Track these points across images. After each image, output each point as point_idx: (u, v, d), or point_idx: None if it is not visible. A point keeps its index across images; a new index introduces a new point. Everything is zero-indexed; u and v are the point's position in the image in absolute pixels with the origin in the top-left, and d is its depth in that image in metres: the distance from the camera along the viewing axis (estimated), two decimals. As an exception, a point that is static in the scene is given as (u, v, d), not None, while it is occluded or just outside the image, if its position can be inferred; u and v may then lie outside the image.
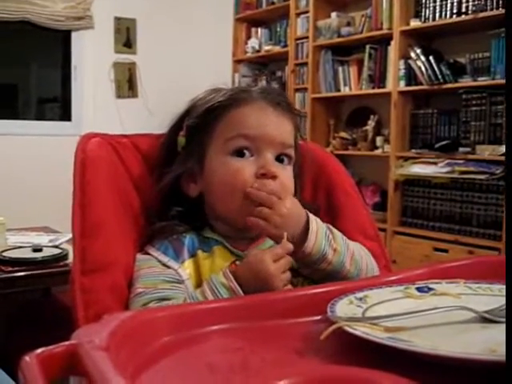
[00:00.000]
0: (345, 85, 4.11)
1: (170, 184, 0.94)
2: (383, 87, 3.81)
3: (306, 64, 4.31)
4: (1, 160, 3.83)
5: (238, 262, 0.90)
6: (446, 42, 3.59)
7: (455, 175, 3.24)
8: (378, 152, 3.81)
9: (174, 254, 0.90)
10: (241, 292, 0.80)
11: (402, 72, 3.61)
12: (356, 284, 0.74)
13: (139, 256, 0.91)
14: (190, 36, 4.66)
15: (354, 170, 3.96)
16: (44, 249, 2.14)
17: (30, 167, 3.93)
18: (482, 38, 3.27)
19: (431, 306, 0.62)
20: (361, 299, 0.66)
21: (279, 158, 0.93)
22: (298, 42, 4.40)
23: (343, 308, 0.62)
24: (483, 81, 3.22)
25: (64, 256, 2.08)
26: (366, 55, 3.90)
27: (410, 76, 3.58)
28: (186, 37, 4.65)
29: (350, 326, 0.55)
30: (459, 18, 3.32)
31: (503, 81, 3.03)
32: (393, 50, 3.67)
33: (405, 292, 0.70)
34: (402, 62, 3.61)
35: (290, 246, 0.83)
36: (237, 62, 4.98)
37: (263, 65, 5.01)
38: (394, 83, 3.65)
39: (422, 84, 3.50)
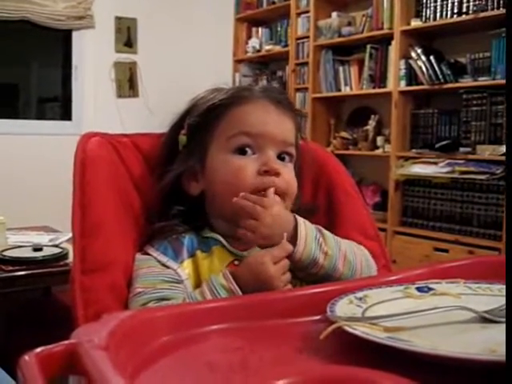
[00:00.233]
0: (345, 85, 4.11)
1: (171, 183, 0.94)
2: (384, 87, 3.81)
3: (306, 64, 4.31)
4: (1, 159, 3.84)
5: (236, 262, 0.90)
6: (447, 42, 3.59)
7: (455, 175, 3.23)
8: (379, 152, 3.81)
9: (173, 254, 0.90)
10: (240, 293, 0.80)
11: (403, 72, 3.61)
12: (356, 284, 0.73)
13: (138, 256, 0.91)
14: (191, 35, 4.67)
15: (354, 169, 3.96)
16: (44, 248, 2.14)
17: (30, 166, 3.93)
18: (482, 38, 3.27)
19: (431, 306, 0.62)
20: (360, 299, 0.66)
21: (280, 156, 0.93)
22: (299, 41, 4.40)
23: (343, 308, 0.62)
24: (484, 81, 3.22)
25: (64, 255, 2.08)
26: (367, 55, 3.90)
27: (411, 76, 3.58)
28: (187, 36, 4.65)
29: (349, 326, 0.55)
30: (460, 18, 3.32)
31: (504, 81, 3.03)
32: (393, 49, 3.67)
33: (405, 292, 0.70)
34: (402, 62, 3.60)
35: (290, 248, 0.84)
36: (237, 61, 4.98)
37: (264, 64, 5.01)
38: (395, 83, 3.65)
39: (422, 84, 3.49)
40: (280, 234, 0.85)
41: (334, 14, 4.11)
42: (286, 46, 4.55)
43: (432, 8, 3.49)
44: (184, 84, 4.17)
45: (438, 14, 3.46)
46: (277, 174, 0.89)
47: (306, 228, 0.88)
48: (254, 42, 4.84)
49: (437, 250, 3.36)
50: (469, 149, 3.28)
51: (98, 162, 0.94)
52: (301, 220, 0.89)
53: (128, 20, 4.43)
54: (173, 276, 0.87)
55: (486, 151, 3.16)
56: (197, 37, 4.68)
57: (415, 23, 3.55)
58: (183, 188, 0.96)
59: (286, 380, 0.43)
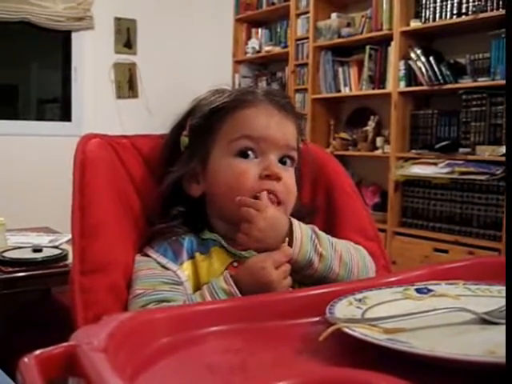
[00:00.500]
0: (345, 85, 4.11)
1: (171, 184, 0.94)
2: (383, 88, 3.81)
3: (306, 65, 4.32)
4: (1, 160, 3.84)
5: (235, 264, 0.90)
6: (446, 43, 3.60)
7: (455, 176, 3.24)
8: (378, 153, 3.81)
9: (172, 256, 0.90)
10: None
11: (402, 73, 3.61)
12: (355, 285, 0.73)
13: (138, 257, 0.91)
14: (191, 36, 4.67)
15: (354, 170, 3.96)
16: (44, 249, 2.14)
17: (30, 167, 3.93)
18: (482, 39, 3.27)
19: (430, 308, 0.62)
20: (360, 300, 0.66)
21: (282, 160, 0.94)
22: (299, 42, 4.40)
23: (342, 309, 0.62)
24: (483, 81, 3.22)
25: (64, 256, 2.08)
26: (366, 56, 3.91)
27: (410, 77, 3.59)
28: (186, 37, 4.66)
29: (348, 328, 0.55)
30: (459, 19, 3.32)
31: (503, 81, 3.03)
32: (393, 50, 3.67)
33: (404, 293, 0.70)
34: (402, 63, 3.61)
35: (291, 252, 0.84)
36: (237, 62, 4.98)
37: (263, 65, 5.01)
38: (394, 84, 3.65)
39: (422, 85, 3.50)
40: (274, 237, 0.86)
41: (334, 15, 4.11)
42: (286, 46, 4.56)
43: (431, 9, 3.49)
44: (183, 85, 4.18)
45: (438, 15, 3.46)
46: (278, 179, 0.90)
47: (301, 230, 0.88)
48: (253, 43, 4.84)
49: (436, 250, 3.36)
50: (468, 149, 3.28)
51: (98, 163, 0.94)
52: (296, 222, 0.89)
53: (127, 21, 4.43)
54: (172, 278, 0.87)
55: (486, 152, 3.16)
56: (196, 38, 4.68)
57: (415, 24, 3.55)
58: (184, 189, 0.96)
59: (285, 382, 0.43)
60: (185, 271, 0.89)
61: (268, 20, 4.86)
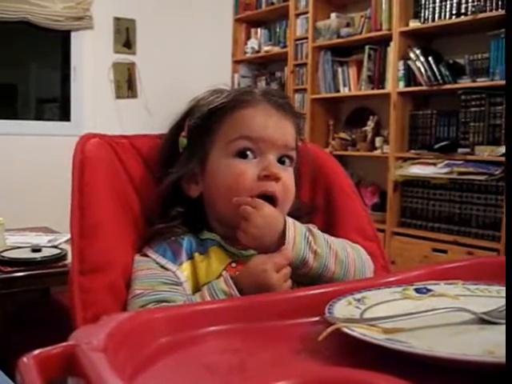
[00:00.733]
0: (344, 85, 4.11)
1: (170, 185, 0.94)
2: (382, 88, 3.81)
3: (305, 65, 4.32)
4: (0, 160, 3.83)
5: (233, 265, 0.90)
6: (445, 43, 3.60)
7: (454, 176, 3.24)
8: (378, 153, 3.81)
9: (171, 256, 0.90)
10: None
11: (402, 73, 3.61)
12: (354, 285, 0.74)
13: (137, 258, 0.91)
14: (190, 36, 4.67)
15: (353, 170, 3.97)
16: (43, 249, 2.14)
17: (29, 167, 3.93)
18: (481, 39, 3.28)
19: (429, 308, 0.62)
20: (359, 300, 0.66)
21: (281, 160, 0.94)
22: (298, 42, 4.40)
23: (341, 309, 0.62)
24: (482, 81, 3.23)
25: (63, 256, 2.08)
26: (366, 56, 3.91)
27: (410, 77, 3.59)
28: (186, 37, 4.66)
29: (348, 328, 0.55)
30: (458, 19, 3.32)
31: (502, 82, 3.04)
32: (392, 50, 3.68)
33: (403, 293, 0.70)
34: (401, 63, 3.61)
35: (291, 255, 0.84)
36: (236, 62, 4.98)
37: (263, 65, 5.01)
38: (394, 84, 3.65)
39: (421, 85, 3.50)
40: (270, 234, 0.86)
41: (333, 15, 4.11)
42: (285, 46, 4.55)
43: (430, 9, 3.49)
44: (182, 85, 4.18)
45: (437, 15, 3.46)
46: (277, 179, 0.90)
47: (295, 228, 0.88)
48: (252, 43, 4.84)
49: (435, 250, 3.37)
50: (467, 149, 3.28)
51: (97, 163, 0.94)
52: (290, 220, 0.89)
53: (127, 21, 4.43)
54: (172, 278, 0.87)
55: (485, 152, 3.16)
56: (195, 37, 4.68)
57: (414, 24, 3.55)
58: (183, 190, 0.96)
59: (284, 382, 0.43)
60: (184, 271, 0.89)
61: (267, 20, 4.86)
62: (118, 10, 4.36)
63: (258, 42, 4.84)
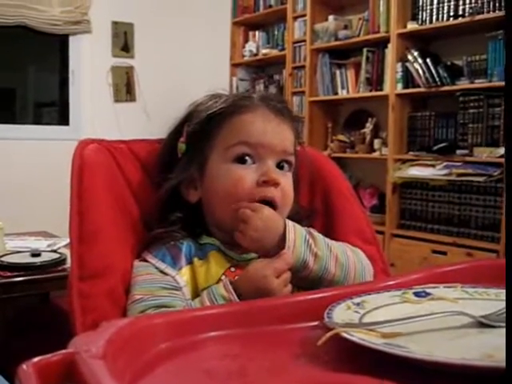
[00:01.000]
0: (342, 88, 4.12)
1: (169, 191, 0.95)
2: (381, 90, 3.82)
3: (303, 67, 4.32)
4: (-1, 164, 3.84)
5: (232, 269, 0.90)
6: (443, 45, 3.60)
7: (453, 177, 3.24)
8: (376, 155, 3.82)
9: (171, 261, 0.89)
10: None
11: (400, 75, 3.62)
12: (354, 289, 0.74)
13: (137, 263, 0.91)
14: (188, 40, 4.67)
15: (352, 172, 3.97)
16: (42, 253, 2.14)
17: (27, 171, 3.93)
18: (478, 41, 3.28)
19: (428, 311, 0.63)
20: (358, 304, 0.66)
21: (279, 165, 0.94)
22: (296, 45, 4.41)
23: (341, 313, 0.62)
24: (480, 83, 3.23)
25: (62, 261, 2.08)
26: (364, 58, 3.91)
27: (408, 79, 3.59)
28: (184, 40, 4.66)
29: (346, 332, 0.55)
30: (456, 21, 3.33)
31: (500, 83, 3.04)
32: (390, 52, 3.68)
33: (402, 297, 0.70)
34: (399, 65, 3.61)
35: (291, 260, 0.84)
36: (234, 65, 4.99)
37: (261, 68, 5.01)
38: (392, 86, 3.66)
39: (419, 86, 3.50)
40: (269, 237, 0.86)
41: (331, 18, 4.12)
42: (283, 49, 4.56)
43: (428, 11, 3.50)
44: (181, 88, 4.19)
45: (434, 17, 3.47)
46: (275, 185, 0.90)
47: (295, 230, 0.88)
48: (250, 46, 4.84)
49: (435, 252, 3.37)
50: (466, 151, 3.28)
51: (96, 168, 0.94)
52: (290, 223, 0.89)
53: (125, 25, 4.43)
54: (171, 283, 0.87)
55: (484, 153, 3.16)
56: (194, 41, 4.68)
57: (411, 26, 3.56)
58: (182, 195, 0.96)
59: (283, 388, 0.43)
60: (183, 276, 0.88)
61: (265, 23, 4.87)
62: (116, 13, 4.37)
63: (256, 45, 4.84)
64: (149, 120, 4.31)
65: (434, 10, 3.47)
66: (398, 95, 3.63)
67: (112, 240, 0.90)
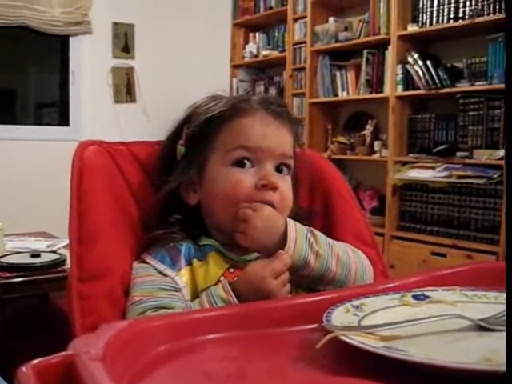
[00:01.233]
0: (342, 90, 4.12)
1: (169, 193, 0.95)
2: (381, 92, 3.82)
3: (303, 69, 4.32)
4: (-1, 165, 3.84)
5: (231, 270, 0.90)
6: (444, 47, 3.60)
7: (453, 179, 3.24)
8: (376, 157, 3.82)
9: (170, 262, 0.90)
10: None
11: (400, 77, 3.62)
12: (353, 291, 0.74)
13: (136, 264, 0.91)
14: (188, 41, 4.67)
15: (352, 174, 3.97)
16: (42, 254, 2.14)
17: (27, 172, 3.93)
18: (479, 43, 3.28)
19: (427, 314, 0.63)
20: (357, 307, 0.66)
21: (278, 168, 0.94)
22: (296, 46, 4.41)
23: (339, 316, 0.62)
24: (480, 85, 3.23)
25: (62, 261, 2.08)
26: (364, 60, 3.91)
27: (408, 81, 3.59)
28: (184, 42, 4.66)
29: (345, 335, 0.55)
30: (456, 23, 3.33)
31: (500, 85, 3.04)
32: (390, 54, 3.68)
33: (401, 300, 0.70)
34: (399, 67, 3.61)
35: (289, 260, 0.84)
36: (235, 66, 4.99)
37: (261, 70, 5.02)
38: (392, 88, 3.66)
39: (419, 89, 3.50)
40: (270, 236, 0.86)
41: (331, 20, 4.12)
42: (283, 51, 4.56)
43: (428, 13, 3.50)
44: (181, 89, 4.19)
45: (435, 19, 3.47)
46: (274, 189, 0.90)
47: (296, 229, 0.88)
48: (251, 48, 4.85)
49: (434, 254, 3.36)
50: (466, 153, 3.28)
51: (96, 170, 0.94)
52: (291, 222, 0.89)
53: (125, 25, 4.44)
54: (170, 284, 0.87)
55: (483, 156, 3.16)
56: (194, 42, 4.69)
57: (412, 28, 3.56)
58: (181, 197, 0.96)
59: (282, 391, 0.43)
60: (182, 277, 0.89)
61: (265, 24, 4.87)
62: (117, 14, 4.37)
63: (256, 47, 4.84)
64: (149, 121, 4.31)
65: (435, 12, 3.47)
66: (398, 97, 3.63)
67: (111, 241, 0.90)
